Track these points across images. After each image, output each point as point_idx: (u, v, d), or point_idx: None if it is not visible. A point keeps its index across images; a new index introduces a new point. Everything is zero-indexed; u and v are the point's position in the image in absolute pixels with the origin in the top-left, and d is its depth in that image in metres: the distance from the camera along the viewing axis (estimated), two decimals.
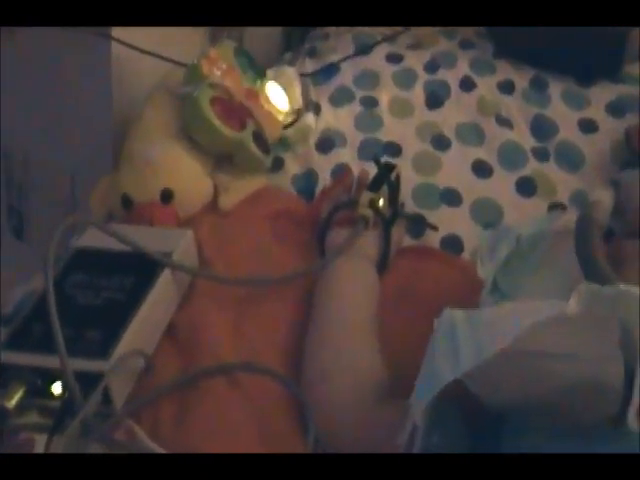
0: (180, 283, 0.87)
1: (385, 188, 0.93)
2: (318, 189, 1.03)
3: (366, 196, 0.91)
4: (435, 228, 0.97)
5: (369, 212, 0.91)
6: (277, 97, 1.10)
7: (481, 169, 1.04)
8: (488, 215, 0.99)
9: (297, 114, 1.12)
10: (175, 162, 0.97)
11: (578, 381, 0.57)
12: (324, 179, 1.04)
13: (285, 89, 1.13)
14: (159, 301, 0.83)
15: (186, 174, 0.98)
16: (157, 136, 1.00)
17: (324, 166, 1.06)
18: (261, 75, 1.10)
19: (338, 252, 0.89)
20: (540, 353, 0.58)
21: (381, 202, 0.92)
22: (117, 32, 1.08)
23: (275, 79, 1.13)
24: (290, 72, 1.16)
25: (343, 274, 0.88)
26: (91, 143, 1.18)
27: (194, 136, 0.99)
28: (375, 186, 0.93)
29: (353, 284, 0.88)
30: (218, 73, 1.02)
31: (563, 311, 0.61)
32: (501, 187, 1.02)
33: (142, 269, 0.84)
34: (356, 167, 1.04)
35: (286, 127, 1.11)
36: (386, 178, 0.93)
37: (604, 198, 0.76)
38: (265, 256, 0.95)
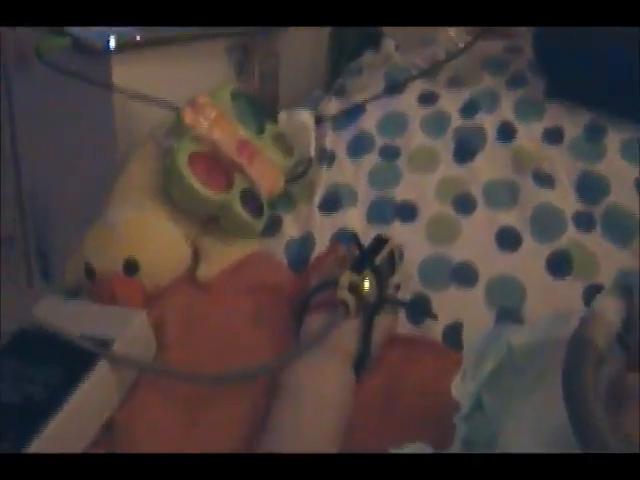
0: (122, 375, 0.76)
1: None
2: (313, 257, 0.90)
3: (347, 277, 0.77)
4: (434, 317, 0.81)
5: (350, 297, 0.76)
6: (282, 146, 0.97)
7: (507, 239, 0.87)
8: (506, 299, 0.82)
9: (307, 165, 0.99)
10: (144, 227, 0.87)
11: None
12: (322, 245, 0.90)
13: (296, 136, 1.00)
14: (89, 399, 0.72)
15: (156, 241, 0.87)
16: (133, 195, 0.89)
17: (325, 229, 0.91)
18: (266, 121, 0.98)
19: (309, 345, 0.75)
20: None
21: (366, 285, 0.77)
22: (118, 75, 1.00)
23: (287, 124, 1.01)
24: (305, 116, 1.02)
25: (311, 374, 0.74)
26: (101, 187, 1.11)
27: (172, 197, 0.88)
28: (359, 266, 0.78)
29: (320, 388, 0.74)
30: (205, 123, 0.90)
31: None
32: (528, 263, 0.85)
33: (77, 359, 0.74)
34: (362, 232, 0.89)
35: (292, 180, 0.98)
36: (369, 259, 0.79)
37: (609, 309, 0.59)
38: (236, 339, 0.82)
